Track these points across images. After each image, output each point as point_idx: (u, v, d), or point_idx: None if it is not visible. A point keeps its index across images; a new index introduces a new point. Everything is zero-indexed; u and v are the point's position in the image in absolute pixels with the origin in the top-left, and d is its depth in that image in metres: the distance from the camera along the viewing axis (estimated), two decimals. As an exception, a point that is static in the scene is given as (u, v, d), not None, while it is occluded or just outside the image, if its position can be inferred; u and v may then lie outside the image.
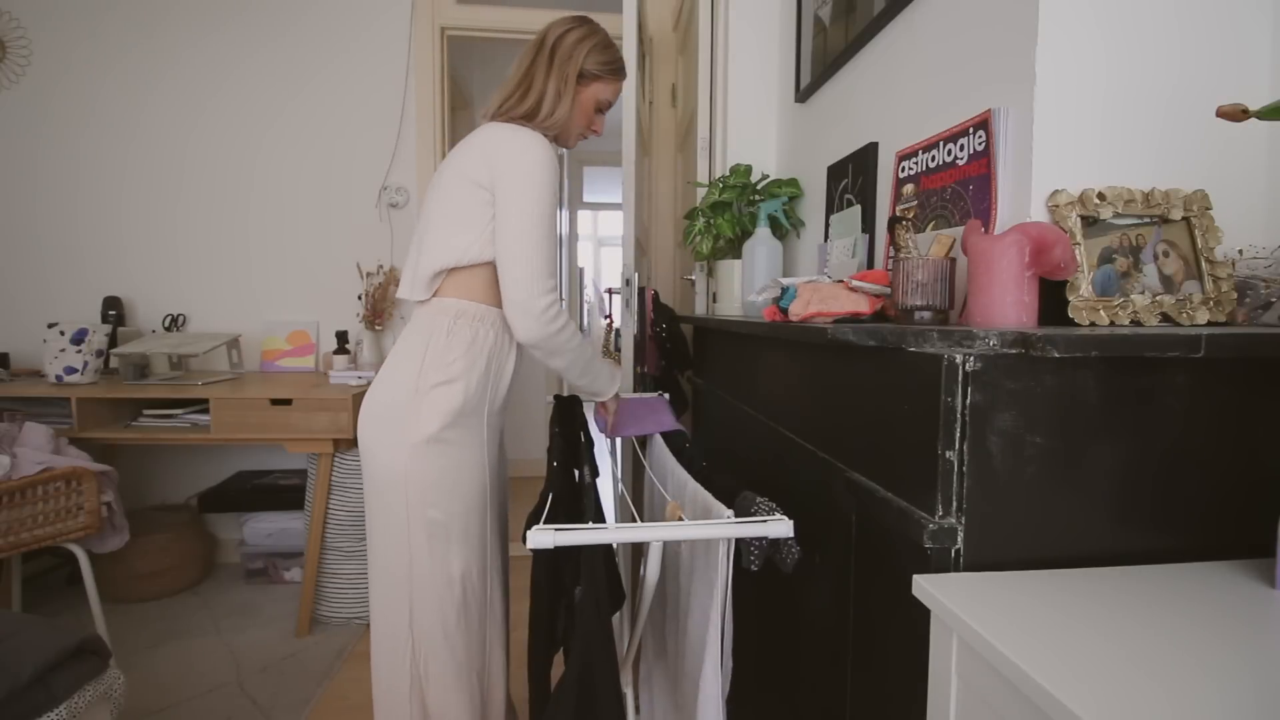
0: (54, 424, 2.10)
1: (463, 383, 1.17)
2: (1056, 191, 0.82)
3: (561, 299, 1.21)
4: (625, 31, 1.80)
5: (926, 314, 0.83)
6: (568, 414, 1.45)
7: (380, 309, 2.75)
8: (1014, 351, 0.62)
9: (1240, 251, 0.84)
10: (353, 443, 2.26)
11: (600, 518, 0.99)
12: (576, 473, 1.22)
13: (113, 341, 2.50)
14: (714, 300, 1.98)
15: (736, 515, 0.85)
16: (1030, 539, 0.65)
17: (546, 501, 0.98)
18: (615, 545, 1.34)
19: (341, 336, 2.70)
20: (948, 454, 0.63)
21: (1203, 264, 0.81)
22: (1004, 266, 0.76)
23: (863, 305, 0.93)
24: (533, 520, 0.90)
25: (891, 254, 1.08)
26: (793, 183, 1.72)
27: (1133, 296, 0.80)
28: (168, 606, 2.44)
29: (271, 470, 2.86)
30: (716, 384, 1.66)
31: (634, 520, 1.06)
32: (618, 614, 1.32)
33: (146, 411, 2.30)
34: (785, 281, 1.12)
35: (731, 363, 1.50)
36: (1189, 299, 0.81)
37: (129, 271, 2.76)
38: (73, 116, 2.70)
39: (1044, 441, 0.64)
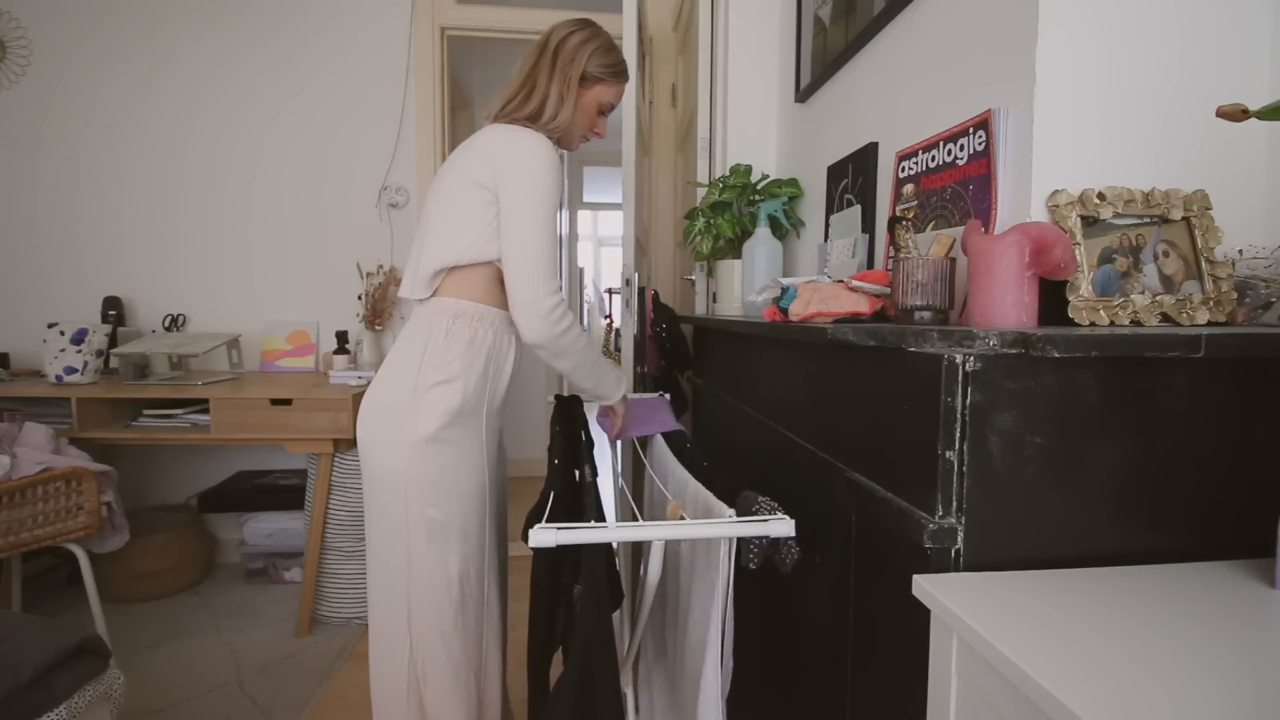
0: (54, 424, 2.10)
1: (461, 382, 1.17)
2: (1056, 191, 0.82)
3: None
4: (625, 31, 1.80)
5: (926, 314, 0.83)
6: (568, 413, 1.45)
7: (380, 309, 2.75)
8: (1014, 351, 0.62)
9: (1240, 251, 0.84)
10: (353, 443, 2.26)
11: (601, 517, 0.99)
12: (577, 472, 1.22)
13: (113, 341, 2.51)
14: (714, 300, 1.98)
15: (738, 515, 0.85)
16: (1030, 539, 0.65)
17: (548, 500, 0.98)
18: (615, 545, 1.34)
19: (341, 336, 2.70)
20: (948, 454, 0.63)
21: (1203, 264, 0.81)
22: (1004, 266, 0.76)
23: (863, 305, 0.93)
24: (534, 519, 0.90)
25: (891, 254, 1.08)
26: (793, 183, 1.72)
27: (1133, 296, 0.80)
28: (168, 606, 2.44)
29: (271, 470, 2.86)
30: (716, 384, 1.66)
31: (634, 519, 1.06)
32: (617, 613, 1.32)
33: (146, 411, 2.30)
34: (785, 281, 1.12)
35: (731, 363, 1.50)
36: (1189, 299, 0.81)
37: (129, 271, 2.76)
38: (73, 116, 2.70)
39: (1044, 441, 0.64)
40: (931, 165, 1.03)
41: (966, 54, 0.98)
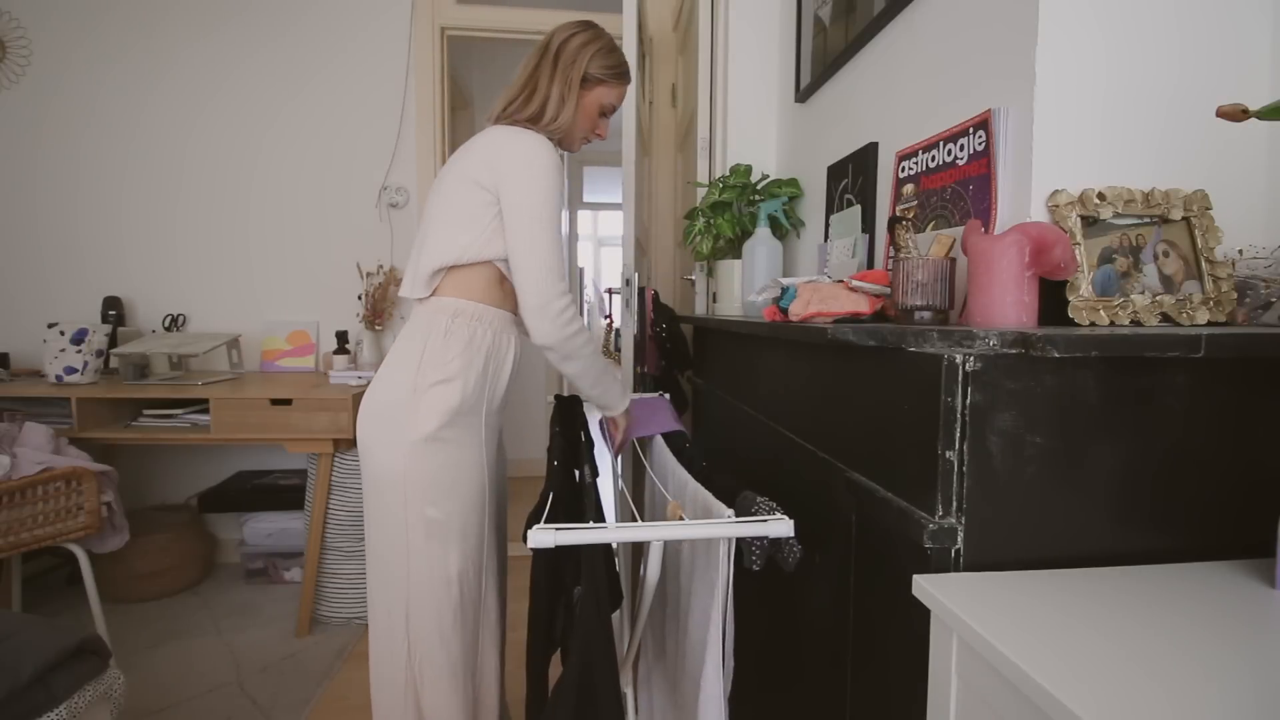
0: (54, 424, 2.10)
1: (460, 382, 1.17)
2: (1056, 191, 0.82)
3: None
4: (625, 31, 1.80)
5: (926, 314, 0.83)
6: (568, 413, 1.46)
7: (380, 309, 2.75)
8: (1014, 351, 0.62)
9: (1240, 251, 0.84)
10: (353, 443, 2.26)
11: (600, 517, 0.99)
12: (577, 472, 1.22)
13: (113, 341, 2.51)
14: (714, 300, 1.98)
15: (737, 515, 0.85)
16: (1030, 539, 0.65)
17: (547, 501, 0.98)
18: (615, 545, 1.34)
19: (341, 336, 2.70)
20: (948, 454, 0.63)
21: (1203, 264, 0.81)
22: (1004, 266, 0.76)
23: (863, 305, 0.93)
24: (533, 520, 0.90)
25: (891, 254, 1.08)
26: (793, 183, 1.72)
27: (1133, 296, 0.80)
28: (168, 606, 2.44)
29: (271, 470, 2.86)
30: (716, 384, 1.66)
31: (634, 520, 1.06)
32: (617, 614, 1.31)
33: (146, 411, 2.30)
34: (785, 281, 1.12)
35: (731, 363, 1.50)
36: (1189, 299, 0.81)
37: (129, 271, 2.76)
38: (73, 116, 2.70)
39: (1044, 441, 0.64)
40: (931, 165, 1.03)
41: (966, 54, 0.98)
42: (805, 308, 0.96)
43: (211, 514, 2.77)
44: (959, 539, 0.64)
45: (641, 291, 1.89)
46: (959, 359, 0.62)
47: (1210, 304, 0.80)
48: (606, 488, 1.84)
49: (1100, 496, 0.65)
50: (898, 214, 1.07)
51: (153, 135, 2.74)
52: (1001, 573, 0.62)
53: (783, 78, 1.88)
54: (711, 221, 1.80)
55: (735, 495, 0.90)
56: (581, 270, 6.83)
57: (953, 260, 0.87)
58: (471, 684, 1.23)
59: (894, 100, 1.23)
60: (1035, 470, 0.64)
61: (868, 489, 0.76)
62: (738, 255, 1.74)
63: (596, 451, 1.34)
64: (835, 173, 1.47)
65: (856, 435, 0.84)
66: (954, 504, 0.64)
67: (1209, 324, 0.80)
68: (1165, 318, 0.80)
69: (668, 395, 1.67)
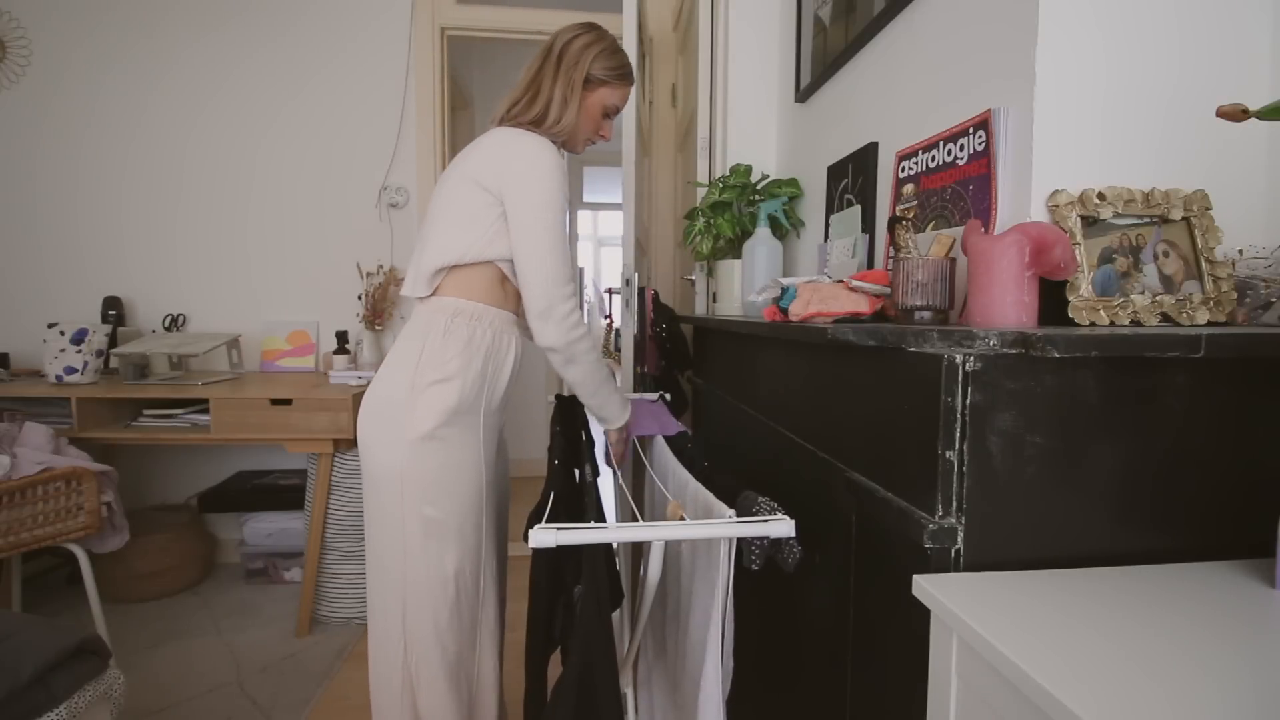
0: (54, 424, 2.10)
1: (458, 381, 1.17)
2: (1056, 191, 0.82)
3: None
4: (625, 31, 1.80)
5: (926, 314, 0.83)
6: (568, 413, 1.45)
7: (380, 309, 2.75)
8: (1014, 351, 0.62)
9: (1240, 251, 0.84)
10: (352, 443, 2.26)
11: (601, 517, 0.99)
12: (577, 472, 1.22)
13: (113, 341, 2.51)
14: (714, 300, 1.98)
15: (738, 515, 0.85)
16: (1030, 539, 0.65)
17: (548, 500, 0.98)
18: (615, 545, 1.34)
19: (341, 336, 2.70)
20: (948, 454, 0.63)
21: (1203, 264, 0.81)
22: (1004, 266, 0.76)
23: (863, 305, 0.93)
24: (534, 519, 0.90)
25: (891, 254, 1.08)
26: (793, 183, 1.72)
27: (1133, 296, 0.80)
28: (168, 606, 2.44)
29: (271, 470, 2.86)
30: (716, 384, 1.66)
31: (635, 519, 1.06)
32: (617, 613, 1.31)
33: (146, 411, 2.30)
34: (785, 281, 1.12)
35: (731, 363, 1.50)
36: (1189, 299, 0.81)
37: (129, 271, 2.76)
38: (73, 116, 2.70)
39: (1044, 441, 0.64)
40: (931, 165, 1.03)
41: (966, 54, 0.98)
42: (805, 308, 0.96)
43: (211, 514, 2.77)
44: (959, 539, 0.64)
45: (641, 291, 1.89)
46: (959, 359, 0.62)
47: (1210, 304, 0.80)
48: (607, 487, 1.84)
49: (1100, 496, 0.65)
50: (898, 214, 1.07)
51: (153, 135, 2.74)
52: (1001, 573, 0.62)
53: (783, 78, 1.88)
54: (711, 221, 1.80)
55: (735, 495, 0.90)
56: (581, 270, 6.83)
57: (953, 260, 0.87)
58: (468, 684, 1.23)
59: (894, 100, 1.23)
60: (1035, 470, 0.64)
61: (868, 489, 0.76)
62: (738, 255, 1.74)
63: (596, 451, 1.34)
64: (835, 173, 1.47)
65: (856, 435, 0.84)
66: (954, 504, 0.64)
67: (1209, 324, 0.80)
68: (1165, 318, 0.80)
69: (668, 395, 1.67)
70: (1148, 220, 0.82)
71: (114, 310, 2.65)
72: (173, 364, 2.55)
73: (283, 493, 2.64)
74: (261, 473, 2.85)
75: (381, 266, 2.80)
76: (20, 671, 1.05)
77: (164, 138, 2.74)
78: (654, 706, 1.30)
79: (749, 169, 1.82)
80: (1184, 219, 0.82)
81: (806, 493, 0.96)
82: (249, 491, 2.67)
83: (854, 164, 1.36)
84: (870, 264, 1.28)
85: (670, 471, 1.18)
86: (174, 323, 2.74)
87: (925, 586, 0.60)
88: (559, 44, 1.26)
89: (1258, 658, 0.48)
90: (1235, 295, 0.81)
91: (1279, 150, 0.85)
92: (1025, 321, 0.76)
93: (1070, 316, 0.79)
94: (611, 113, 1.32)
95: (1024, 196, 0.84)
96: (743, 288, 1.67)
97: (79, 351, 2.28)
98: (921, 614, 0.61)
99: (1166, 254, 0.82)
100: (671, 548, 1.14)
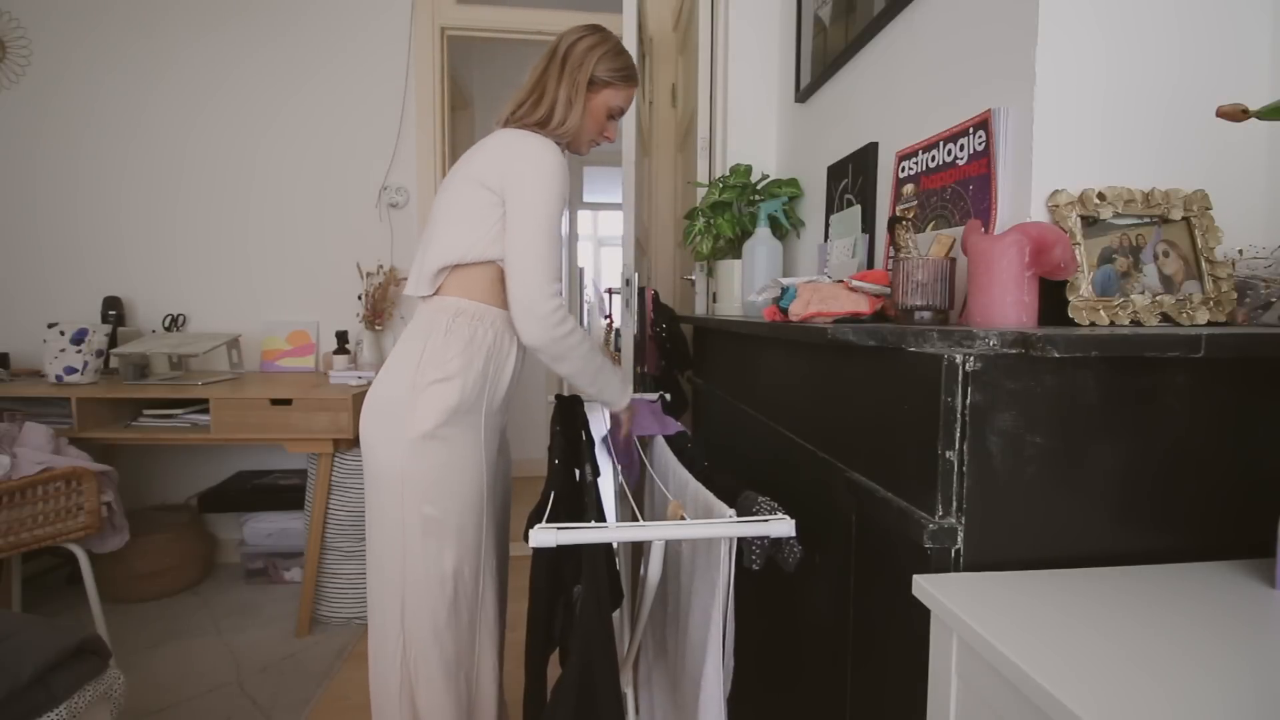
0: (54, 424, 2.10)
1: (459, 380, 1.17)
2: (1056, 191, 0.82)
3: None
4: (625, 31, 1.81)
5: (926, 314, 0.83)
6: (568, 413, 1.45)
7: (380, 309, 2.75)
8: (1014, 351, 0.62)
9: (1240, 251, 0.84)
10: (352, 443, 2.26)
11: (601, 517, 0.99)
12: (577, 472, 1.22)
13: (113, 341, 2.50)
14: (714, 300, 1.98)
15: (738, 515, 0.85)
16: (1030, 539, 0.65)
17: (548, 500, 0.98)
18: (615, 544, 1.34)
19: (341, 336, 2.70)
20: (948, 454, 0.63)
21: (1203, 264, 0.81)
22: (1004, 266, 0.76)
23: (863, 305, 0.93)
24: (534, 519, 0.90)
25: (891, 254, 1.08)
26: (793, 183, 1.72)
27: (1133, 296, 0.80)
28: (168, 606, 2.44)
29: (271, 470, 2.86)
30: (716, 384, 1.66)
31: (635, 519, 1.06)
32: (617, 613, 1.31)
33: (146, 411, 2.30)
34: (785, 281, 1.12)
35: (731, 363, 1.50)
36: (1189, 299, 0.81)
37: (129, 271, 2.76)
38: (73, 116, 2.70)
39: (1044, 441, 0.64)
40: (931, 165, 1.03)
41: (966, 54, 0.98)
42: (805, 308, 0.96)
43: (211, 514, 2.77)
44: (959, 539, 0.64)
45: (641, 291, 1.89)
46: (959, 359, 0.62)
47: (1210, 304, 0.80)
48: (607, 487, 1.84)
49: (1100, 496, 0.65)
50: (898, 214, 1.07)
51: (153, 135, 2.74)
52: (1001, 573, 0.62)
53: (783, 78, 1.88)
54: (711, 221, 1.80)
55: (735, 495, 0.90)
56: (581, 270, 6.83)
57: (953, 260, 0.87)
58: (467, 683, 1.23)
59: (894, 100, 1.23)
60: (1035, 470, 0.64)
61: (868, 489, 0.76)
62: (738, 255, 1.74)
63: (596, 451, 1.34)
64: (835, 173, 1.47)
65: (856, 435, 0.84)
66: (954, 504, 0.64)
67: (1209, 324, 0.80)
68: (1165, 318, 0.80)
69: (668, 396, 1.67)
70: (1148, 220, 0.82)
71: (114, 310, 2.65)
72: (173, 364, 2.55)
73: (283, 493, 2.64)
74: (261, 473, 2.85)
75: (381, 266, 2.80)
76: (20, 671, 1.05)
77: (164, 138, 2.74)
78: (654, 706, 1.30)
79: (749, 169, 1.82)
80: (1184, 219, 0.82)
81: (806, 493, 0.96)
82: (249, 491, 2.67)
83: (854, 164, 1.36)
84: (870, 264, 1.28)
85: (670, 471, 1.18)
86: (174, 323, 2.74)
87: (925, 586, 0.60)
88: (564, 46, 1.26)
89: (1258, 658, 0.48)
90: (1235, 295, 0.81)
91: (1279, 150, 0.85)
92: (1025, 321, 0.76)
93: (1070, 316, 0.79)
94: (616, 114, 1.33)
95: (1024, 196, 0.84)
96: (743, 288, 1.67)
97: (79, 351, 2.28)
98: (921, 614, 0.61)
99: (1166, 254, 0.82)
100: (672, 547, 1.14)
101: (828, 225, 1.47)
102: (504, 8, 2.85)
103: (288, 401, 2.19)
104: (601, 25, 1.30)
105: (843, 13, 1.43)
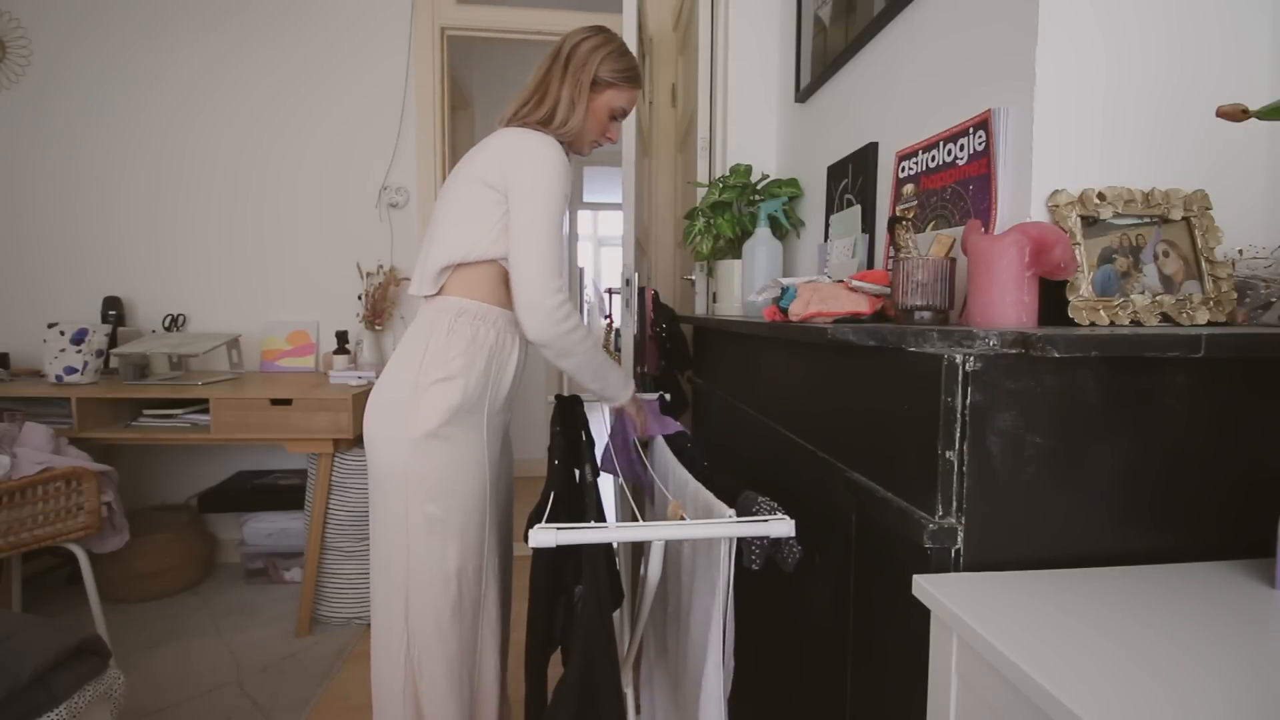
0: (54, 424, 2.10)
1: (462, 380, 1.17)
2: (1056, 191, 0.82)
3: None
4: (625, 31, 1.80)
5: (926, 314, 0.83)
6: (568, 413, 1.45)
7: (380, 309, 2.75)
8: (1014, 351, 0.62)
9: (1240, 251, 0.84)
10: (353, 443, 2.26)
11: (601, 517, 0.99)
12: (577, 472, 1.22)
13: (113, 341, 2.50)
14: (714, 300, 1.98)
15: (738, 515, 0.85)
16: (1030, 539, 0.65)
17: (548, 500, 0.98)
18: (615, 545, 1.34)
19: (341, 336, 2.70)
20: (948, 454, 0.63)
21: (1203, 264, 0.81)
22: (1004, 266, 0.76)
23: (863, 305, 0.93)
24: (534, 519, 0.90)
25: (891, 254, 1.08)
26: (793, 183, 1.72)
27: (1133, 296, 0.80)
28: (168, 606, 2.44)
29: (271, 470, 2.86)
30: (716, 384, 1.66)
31: (635, 519, 1.06)
32: (618, 613, 1.31)
33: (146, 411, 2.30)
34: (785, 281, 1.12)
35: (731, 363, 1.50)
36: (1189, 299, 0.81)
37: (129, 271, 2.76)
38: (73, 116, 2.70)
39: (1044, 441, 0.64)
40: (931, 165, 1.03)
41: (966, 54, 0.98)
42: (805, 308, 0.96)
43: (211, 514, 2.77)
44: (959, 539, 0.64)
45: (641, 291, 1.89)
46: (959, 359, 0.62)
47: (1210, 304, 0.80)
48: (607, 487, 1.84)
49: (1100, 496, 0.65)
50: (898, 214, 1.07)
51: (152, 135, 2.73)
52: (1001, 573, 0.62)
53: (783, 78, 1.88)
54: (711, 221, 1.80)
55: (735, 495, 0.90)
56: (581, 270, 6.82)
57: (953, 260, 0.87)
58: (470, 682, 1.23)
59: (894, 100, 1.23)
60: (1035, 470, 0.64)
61: (868, 489, 0.76)
62: (738, 255, 1.74)
63: (596, 450, 1.34)
64: (835, 173, 1.47)
65: (856, 435, 0.84)
66: (954, 504, 0.64)
67: (1209, 324, 0.80)
68: (1165, 318, 0.80)
69: (668, 396, 1.67)
70: (1148, 220, 0.82)
71: (114, 310, 2.65)
72: (173, 364, 2.55)
73: (283, 493, 2.64)
74: (261, 473, 2.85)
75: (381, 266, 2.80)
76: (20, 671, 1.05)
77: (164, 138, 2.74)
78: (655, 706, 1.30)
79: (749, 169, 1.82)
80: (1184, 219, 0.82)
81: (806, 493, 0.96)
82: (249, 491, 2.67)
83: (854, 164, 1.36)
84: (870, 264, 1.28)
85: (670, 471, 1.18)
86: (174, 323, 2.74)
87: (925, 586, 0.60)
88: (567, 46, 1.27)
89: (1258, 658, 0.48)
90: (1235, 295, 0.81)
91: (1279, 150, 0.85)
92: (1025, 321, 0.76)
93: (1070, 316, 0.79)
94: (618, 115, 1.33)
95: (1024, 196, 0.84)
96: (743, 288, 1.67)
97: (79, 351, 2.28)
98: (921, 614, 0.61)
99: (1166, 254, 0.82)
100: (672, 548, 1.14)
101: (828, 225, 1.47)
102: (504, 8, 2.85)
103: (288, 401, 2.19)
104: (606, 26, 1.31)
105: (843, 13, 1.43)
